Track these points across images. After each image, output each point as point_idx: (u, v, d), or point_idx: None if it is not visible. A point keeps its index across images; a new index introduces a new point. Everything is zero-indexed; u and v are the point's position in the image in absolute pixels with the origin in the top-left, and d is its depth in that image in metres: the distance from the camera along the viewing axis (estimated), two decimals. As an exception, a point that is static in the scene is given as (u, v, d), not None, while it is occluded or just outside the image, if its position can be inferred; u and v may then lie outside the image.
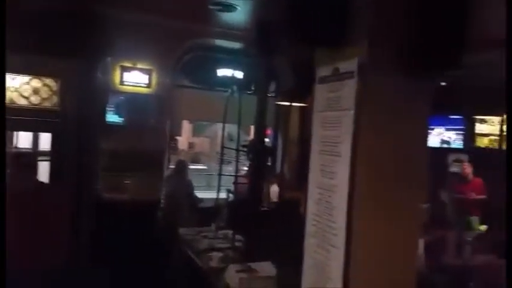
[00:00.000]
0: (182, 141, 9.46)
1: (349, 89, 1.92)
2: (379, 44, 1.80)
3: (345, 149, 1.92)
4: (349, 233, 1.85)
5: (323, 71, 2.18)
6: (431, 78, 1.89)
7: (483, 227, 5.98)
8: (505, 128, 7.20)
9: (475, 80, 6.49)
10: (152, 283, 4.15)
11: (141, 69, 5.93)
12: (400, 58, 1.78)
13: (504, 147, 7.18)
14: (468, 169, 6.74)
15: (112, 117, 5.94)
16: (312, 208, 2.22)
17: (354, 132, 1.86)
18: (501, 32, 4.64)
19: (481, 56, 5.36)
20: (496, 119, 7.30)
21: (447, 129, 7.92)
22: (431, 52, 1.68)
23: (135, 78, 5.93)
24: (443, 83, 5.45)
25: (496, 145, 7.32)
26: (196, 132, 10.45)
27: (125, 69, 5.90)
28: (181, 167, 5.80)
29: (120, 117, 5.96)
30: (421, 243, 4.38)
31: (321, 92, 2.20)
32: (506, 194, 1.61)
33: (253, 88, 5.15)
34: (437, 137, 8.02)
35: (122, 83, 5.90)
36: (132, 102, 5.90)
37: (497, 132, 7.28)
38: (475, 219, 6.47)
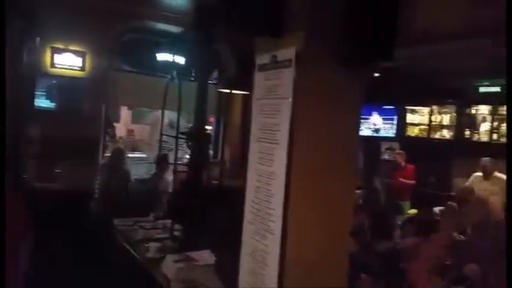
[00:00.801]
0: (120, 128, 9.11)
1: (286, 77, 1.93)
2: (315, 33, 1.82)
3: (283, 136, 1.93)
4: (285, 219, 1.88)
5: (262, 59, 2.17)
6: (365, 69, 1.95)
7: (412, 211, 6.37)
8: (433, 118, 7.70)
9: (407, 72, 6.87)
10: (87, 276, 3.98)
11: (74, 51, 5.60)
12: (335, 48, 1.82)
13: (432, 136, 7.69)
14: (401, 157, 7.14)
15: (43, 102, 5.57)
16: (250, 195, 2.23)
17: (291, 120, 1.87)
18: (431, 27, 4.89)
19: (412, 49, 5.66)
20: (426, 110, 7.77)
21: (382, 119, 8.31)
22: (364, 43, 1.73)
23: (67, 61, 5.59)
24: (376, 74, 5.69)
25: (425, 134, 7.80)
26: (135, 118, 10.10)
27: (56, 51, 5.54)
28: (118, 154, 5.58)
29: (51, 102, 5.61)
30: (354, 227, 4.59)
31: (260, 79, 2.20)
32: (507, 194, 1.70)
33: (194, 74, 5.05)
34: (371, 126, 8.40)
35: (52, 65, 5.54)
36: (65, 86, 5.57)
37: (427, 122, 7.76)
38: (406, 204, 6.89)
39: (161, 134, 4.51)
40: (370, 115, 8.35)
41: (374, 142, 8.50)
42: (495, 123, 6.85)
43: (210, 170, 4.94)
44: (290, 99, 1.90)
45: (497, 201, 5.82)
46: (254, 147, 2.22)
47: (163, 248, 3.15)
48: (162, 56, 6.55)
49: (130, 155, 6.86)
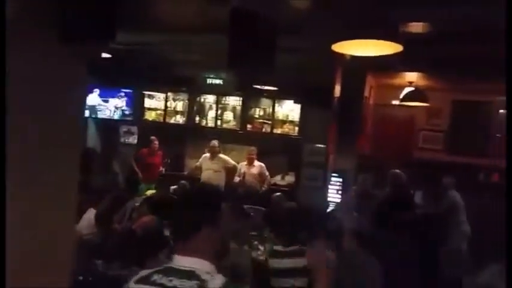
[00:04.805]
0: None
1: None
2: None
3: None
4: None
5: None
6: (86, 47, 1.88)
7: (150, 191, 6.67)
8: (168, 104, 8.20)
9: (145, 58, 7.05)
10: None
11: None
12: (54, 23, 1.69)
13: (168, 120, 8.20)
14: (156, 143, 7.40)
15: None
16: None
17: None
18: (165, 16, 5.13)
19: (149, 36, 5.86)
20: (162, 95, 8.18)
21: (121, 102, 8.24)
22: (81, 20, 1.67)
23: None
24: (108, 55, 5.58)
25: (161, 119, 8.23)
26: None
27: None
28: None
29: None
30: (92, 212, 4.44)
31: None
32: (506, 193, 1.70)
33: None
34: (111, 109, 8.23)
35: None
36: None
37: (163, 107, 8.20)
38: (146, 187, 7.14)
39: None
40: (111, 98, 8.17)
41: (113, 125, 8.39)
42: (219, 112, 7.91)
43: None
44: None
45: (219, 176, 6.90)
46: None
47: None
48: None
49: None
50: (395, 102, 8.00)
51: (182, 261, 1.32)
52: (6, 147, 1.63)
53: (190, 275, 1.27)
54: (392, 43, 2.95)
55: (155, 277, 1.30)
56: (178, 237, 1.37)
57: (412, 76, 7.27)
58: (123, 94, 8.07)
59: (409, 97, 7.33)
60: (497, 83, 7.18)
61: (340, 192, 6.93)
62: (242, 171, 6.93)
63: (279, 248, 3.51)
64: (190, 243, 1.33)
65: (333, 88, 6.10)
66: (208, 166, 7.03)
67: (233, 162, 7.08)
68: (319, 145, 6.09)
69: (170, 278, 1.28)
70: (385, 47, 3.00)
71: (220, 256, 1.40)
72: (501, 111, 8.05)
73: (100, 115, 8.11)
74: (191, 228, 1.34)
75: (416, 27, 4.22)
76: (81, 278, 3.38)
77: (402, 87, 7.54)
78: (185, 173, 7.94)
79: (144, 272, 1.34)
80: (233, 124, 7.82)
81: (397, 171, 5.66)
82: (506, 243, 1.78)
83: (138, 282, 1.32)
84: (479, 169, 7.92)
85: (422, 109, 8.19)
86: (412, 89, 7.35)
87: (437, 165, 7.66)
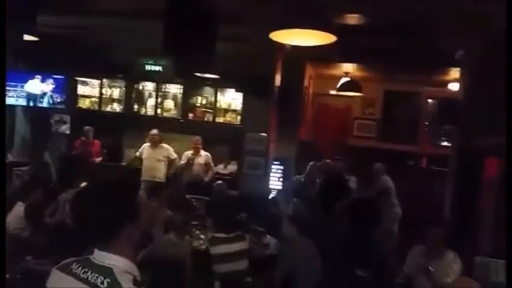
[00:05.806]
0: None
1: None
2: None
3: None
4: None
5: None
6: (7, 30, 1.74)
7: (84, 184, 6.38)
8: (104, 91, 7.82)
9: (77, 42, 6.66)
10: None
11: None
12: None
13: (104, 108, 7.83)
14: (91, 134, 7.04)
15: None
16: None
17: None
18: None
19: (81, 20, 5.54)
20: (96, 82, 7.76)
21: (52, 89, 7.69)
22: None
23: None
24: (34, 39, 5.19)
25: (96, 107, 7.82)
26: None
27: None
28: None
29: None
30: (21, 206, 4.19)
31: None
32: (506, 194, 1.64)
33: None
34: (40, 94, 7.66)
35: None
36: None
37: (97, 95, 7.79)
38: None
39: None
40: (41, 83, 7.60)
41: (44, 114, 7.85)
42: (159, 100, 7.67)
43: None
44: None
45: (161, 165, 6.76)
46: None
47: None
48: None
49: None
50: (333, 92, 8.26)
51: (100, 256, 1.30)
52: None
53: (107, 272, 1.26)
54: (327, 34, 3.02)
55: (73, 266, 1.32)
56: (97, 235, 1.33)
57: (348, 67, 7.53)
58: (52, 80, 7.52)
59: (345, 87, 7.61)
60: (427, 74, 7.71)
61: (281, 179, 7.07)
62: (188, 160, 6.78)
63: (219, 235, 3.54)
64: (109, 240, 1.31)
65: (274, 77, 6.15)
66: (149, 155, 6.82)
67: (175, 154, 6.91)
68: (261, 133, 6.14)
69: (85, 270, 1.29)
70: (320, 37, 3.07)
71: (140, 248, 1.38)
72: (430, 100, 8.60)
73: (29, 103, 7.55)
74: (109, 227, 1.30)
75: (351, 18, 4.37)
76: (8, 276, 3.17)
77: (339, 78, 7.80)
78: (124, 163, 7.66)
79: (67, 260, 1.35)
80: (174, 113, 7.65)
81: (328, 160, 5.90)
82: (506, 243, 1.78)
83: (58, 268, 1.34)
84: (409, 155, 8.44)
85: (357, 99, 8.54)
86: (348, 79, 7.62)
87: (371, 151, 8.05)
